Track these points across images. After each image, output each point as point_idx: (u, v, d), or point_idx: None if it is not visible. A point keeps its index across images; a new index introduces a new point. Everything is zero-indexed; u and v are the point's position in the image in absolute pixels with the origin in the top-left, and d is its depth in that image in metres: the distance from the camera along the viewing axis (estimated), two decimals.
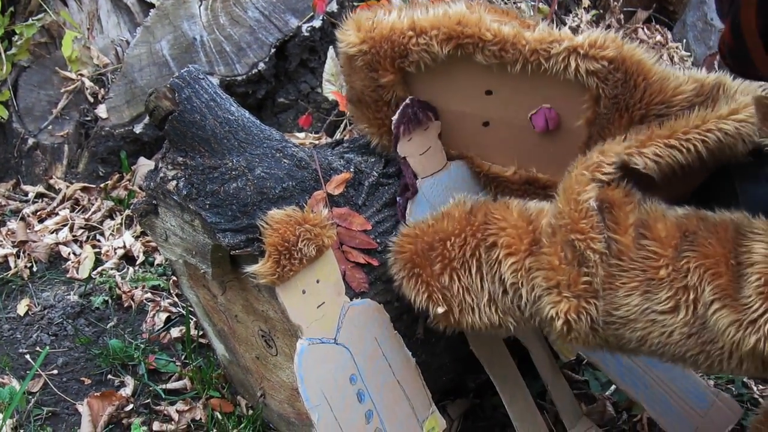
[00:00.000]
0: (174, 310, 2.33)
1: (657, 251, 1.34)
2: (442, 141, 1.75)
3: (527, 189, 1.75)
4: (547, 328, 1.45)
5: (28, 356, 2.18)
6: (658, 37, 3.68)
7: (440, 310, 1.54)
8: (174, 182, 1.61)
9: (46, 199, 2.94)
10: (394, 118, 1.69)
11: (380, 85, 1.69)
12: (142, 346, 2.18)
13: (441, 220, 1.58)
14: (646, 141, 1.44)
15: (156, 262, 2.57)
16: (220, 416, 1.91)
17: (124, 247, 2.62)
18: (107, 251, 2.61)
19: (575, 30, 2.79)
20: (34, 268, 2.55)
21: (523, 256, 1.44)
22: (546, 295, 1.41)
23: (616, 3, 3.73)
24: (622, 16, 3.77)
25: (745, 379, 2.03)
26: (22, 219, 2.79)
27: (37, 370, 2.05)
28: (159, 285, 2.44)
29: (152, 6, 3.08)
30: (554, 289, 1.40)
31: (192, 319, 2.15)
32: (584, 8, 3.60)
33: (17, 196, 2.99)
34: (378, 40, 1.65)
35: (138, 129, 2.95)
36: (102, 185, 2.93)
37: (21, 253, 2.59)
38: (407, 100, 1.70)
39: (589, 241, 1.37)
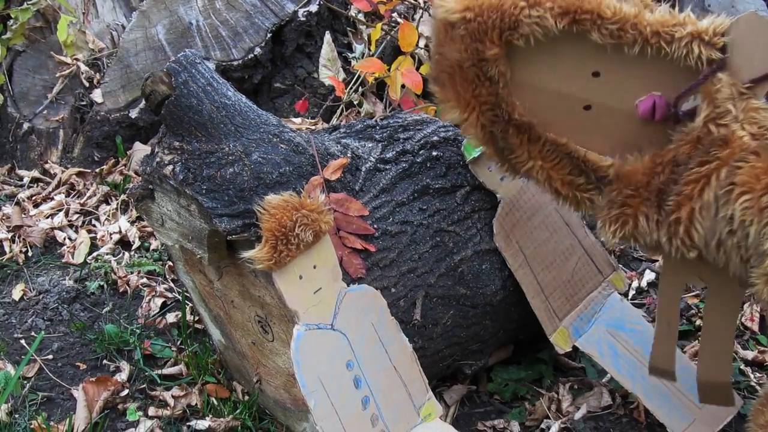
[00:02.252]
0: (170, 295, 2.33)
1: None
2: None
3: None
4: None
5: (23, 341, 2.17)
6: None
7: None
8: (170, 167, 1.60)
9: (41, 184, 2.94)
10: None
11: (484, 58, 1.54)
12: (138, 331, 2.18)
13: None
14: None
15: (152, 247, 2.57)
16: (215, 402, 1.91)
17: (120, 232, 2.62)
18: (103, 236, 2.60)
19: None
20: (30, 253, 2.54)
21: (758, 194, 1.34)
22: None
23: None
24: None
25: (741, 367, 2.03)
26: (18, 204, 2.78)
27: (32, 355, 2.04)
28: (155, 270, 2.43)
29: None
30: None
31: (188, 305, 2.14)
32: None
33: (12, 180, 2.99)
34: (485, 9, 1.51)
35: (133, 114, 2.94)
36: (97, 170, 2.92)
37: (16, 238, 2.59)
38: None
39: None
